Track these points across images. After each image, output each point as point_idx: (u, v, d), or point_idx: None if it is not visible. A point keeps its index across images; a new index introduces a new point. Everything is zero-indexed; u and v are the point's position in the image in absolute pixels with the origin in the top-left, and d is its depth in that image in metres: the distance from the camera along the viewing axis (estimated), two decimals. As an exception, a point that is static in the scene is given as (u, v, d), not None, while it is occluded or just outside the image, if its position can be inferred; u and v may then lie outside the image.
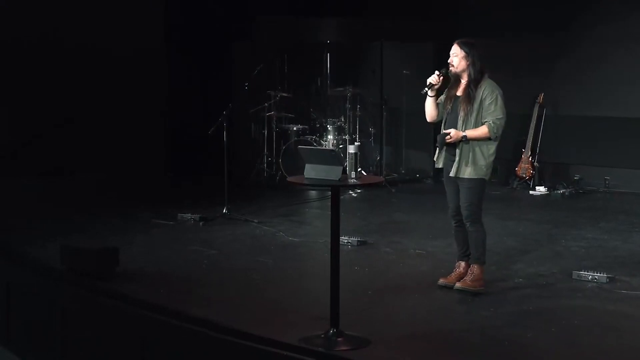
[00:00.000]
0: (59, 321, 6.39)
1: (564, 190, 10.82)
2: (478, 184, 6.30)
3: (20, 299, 6.98)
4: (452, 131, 6.24)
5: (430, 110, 6.45)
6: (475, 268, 6.37)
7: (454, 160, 6.30)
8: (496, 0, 11.55)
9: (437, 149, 6.48)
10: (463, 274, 6.47)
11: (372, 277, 6.93)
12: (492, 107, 6.21)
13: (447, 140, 6.26)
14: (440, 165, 6.48)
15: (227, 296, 6.44)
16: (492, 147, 6.29)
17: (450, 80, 6.39)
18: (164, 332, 5.70)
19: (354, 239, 7.96)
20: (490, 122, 6.20)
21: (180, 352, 5.57)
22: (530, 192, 10.95)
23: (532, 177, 11.13)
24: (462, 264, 6.53)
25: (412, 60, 11.99)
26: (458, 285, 6.32)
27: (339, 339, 5.30)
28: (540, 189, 10.92)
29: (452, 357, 5.30)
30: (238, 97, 10.28)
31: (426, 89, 6.34)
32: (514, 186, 11.21)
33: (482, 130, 6.22)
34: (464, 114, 6.24)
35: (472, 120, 6.22)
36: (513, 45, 11.22)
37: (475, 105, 6.23)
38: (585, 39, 11.10)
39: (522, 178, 11.21)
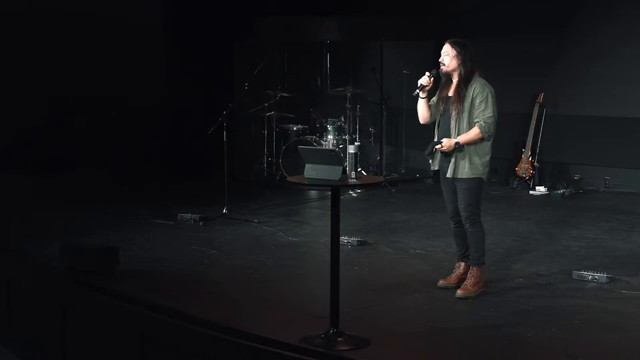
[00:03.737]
0: (59, 320, 6.40)
1: (564, 190, 10.81)
2: (475, 184, 6.27)
3: (20, 298, 6.98)
4: (444, 140, 6.18)
5: (422, 111, 6.39)
6: (475, 270, 6.34)
7: (448, 161, 6.25)
8: (496, -1, 11.59)
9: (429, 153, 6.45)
10: (462, 275, 6.46)
11: (372, 276, 6.93)
12: (483, 105, 6.17)
13: (440, 149, 6.21)
14: (436, 167, 6.43)
15: (227, 296, 6.44)
16: (486, 146, 6.25)
17: (441, 80, 6.35)
18: (164, 331, 5.71)
19: (354, 239, 7.96)
20: (482, 122, 6.15)
21: (180, 352, 5.58)
22: (530, 192, 10.94)
23: (532, 177, 11.12)
24: (462, 264, 6.52)
25: (412, 60, 11.99)
26: (459, 293, 6.27)
27: (339, 339, 5.30)
28: (540, 189, 10.92)
29: (452, 357, 5.30)
30: (238, 97, 10.28)
31: (417, 90, 6.29)
32: (514, 186, 11.20)
33: (474, 133, 6.16)
34: (456, 113, 6.20)
35: (465, 120, 6.18)
36: (513, 45, 11.21)
37: (467, 105, 6.19)
38: (585, 38, 11.09)
39: (522, 178, 11.20)
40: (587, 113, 11.19)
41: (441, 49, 6.35)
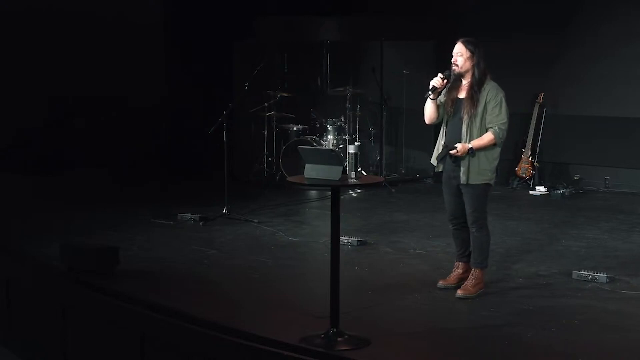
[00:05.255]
0: (59, 320, 6.40)
1: (564, 190, 10.81)
2: (483, 190, 6.26)
3: (20, 298, 6.98)
4: (459, 145, 6.11)
5: (430, 112, 6.30)
6: (477, 272, 6.32)
7: (457, 165, 6.20)
8: (496, -1, 11.59)
9: (435, 154, 6.38)
10: (462, 275, 6.45)
11: (372, 276, 6.93)
12: (497, 110, 6.11)
13: (454, 154, 6.14)
14: (440, 169, 6.40)
15: (227, 296, 6.44)
16: (496, 152, 6.22)
17: (450, 81, 6.26)
18: (164, 331, 5.71)
19: (354, 239, 7.96)
20: (496, 128, 6.10)
21: (180, 352, 5.58)
22: (530, 192, 10.94)
23: (532, 177, 11.12)
24: (461, 264, 6.50)
25: (412, 60, 11.99)
26: (460, 293, 6.26)
27: (339, 339, 5.30)
28: (540, 189, 10.92)
29: (452, 357, 5.30)
30: (238, 97, 10.28)
31: (429, 92, 6.22)
32: (514, 186, 11.20)
33: (488, 138, 6.11)
34: (468, 117, 6.12)
35: (477, 124, 6.12)
36: (513, 45, 11.20)
37: (480, 109, 6.12)
38: (585, 38, 11.09)
39: (522, 178, 11.20)
40: (587, 113, 11.19)
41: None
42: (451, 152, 6.15)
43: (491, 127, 6.12)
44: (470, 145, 6.11)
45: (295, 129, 11.44)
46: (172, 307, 5.88)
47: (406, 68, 11.93)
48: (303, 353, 5.10)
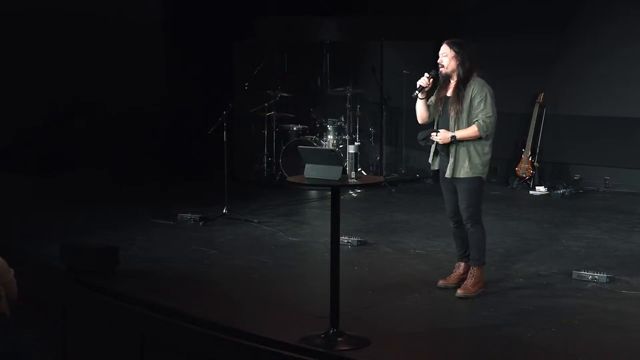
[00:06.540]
0: (59, 320, 6.40)
1: (564, 190, 10.80)
2: (476, 184, 6.27)
3: (20, 298, 6.97)
4: (441, 131, 6.22)
5: (421, 112, 6.40)
6: (475, 270, 6.34)
7: (449, 162, 6.26)
8: (496, -1, 11.59)
9: (431, 151, 6.43)
10: (462, 275, 6.46)
11: (372, 276, 6.93)
12: (482, 105, 6.17)
13: (432, 138, 6.25)
14: (436, 167, 6.44)
15: (227, 296, 6.44)
16: (486, 146, 6.25)
17: (439, 81, 6.35)
18: (164, 331, 5.71)
19: (354, 239, 7.96)
20: (480, 120, 6.16)
21: (180, 352, 5.58)
22: (530, 192, 10.94)
23: (532, 177, 11.12)
24: (462, 264, 6.51)
25: (412, 60, 11.98)
26: (460, 293, 6.27)
27: (339, 339, 5.30)
28: (540, 189, 10.91)
29: (452, 357, 5.30)
30: (238, 97, 10.28)
31: (416, 92, 6.31)
32: (514, 186, 11.20)
33: (472, 130, 6.17)
34: (455, 113, 6.20)
35: (464, 120, 6.19)
36: (513, 45, 11.21)
37: (465, 105, 6.19)
38: (585, 38, 11.09)
39: (522, 178, 11.20)
40: (587, 113, 11.19)
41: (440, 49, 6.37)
42: (432, 134, 6.26)
43: (476, 121, 6.18)
44: (452, 134, 6.17)
45: (295, 129, 11.44)
46: (172, 307, 5.89)
47: (406, 68, 11.91)
48: (303, 353, 5.10)
